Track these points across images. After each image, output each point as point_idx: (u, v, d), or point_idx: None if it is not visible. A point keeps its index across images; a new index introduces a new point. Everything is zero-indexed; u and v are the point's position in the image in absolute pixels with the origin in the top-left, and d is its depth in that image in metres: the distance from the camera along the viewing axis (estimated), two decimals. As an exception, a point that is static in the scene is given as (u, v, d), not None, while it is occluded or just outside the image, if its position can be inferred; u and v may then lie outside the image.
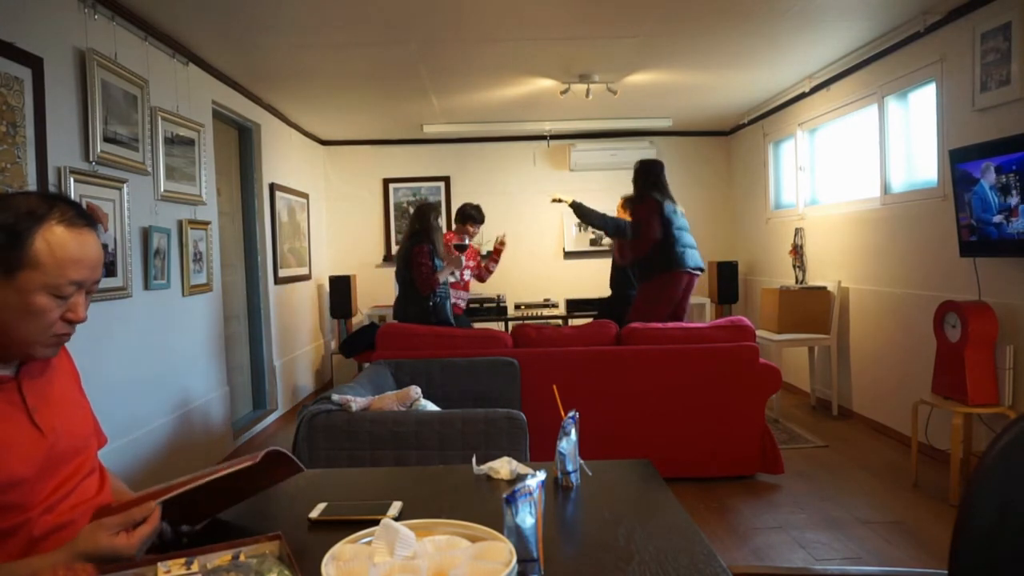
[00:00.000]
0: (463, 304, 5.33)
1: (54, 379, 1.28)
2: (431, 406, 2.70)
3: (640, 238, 4.48)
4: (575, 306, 6.57)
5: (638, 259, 4.57)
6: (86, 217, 1.20)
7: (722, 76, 5.15)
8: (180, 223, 3.94)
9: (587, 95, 5.14)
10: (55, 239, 1.14)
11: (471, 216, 5.27)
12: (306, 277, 6.43)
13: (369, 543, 1.10)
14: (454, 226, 5.41)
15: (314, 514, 1.36)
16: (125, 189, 3.34)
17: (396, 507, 1.37)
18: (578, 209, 4.87)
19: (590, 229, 7.14)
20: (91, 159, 3.10)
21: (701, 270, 4.56)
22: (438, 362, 3.43)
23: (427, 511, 1.34)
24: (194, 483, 1.17)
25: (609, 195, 5.79)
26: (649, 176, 4.61)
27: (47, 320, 1.15)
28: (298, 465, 1.38)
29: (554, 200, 5.13)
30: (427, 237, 4.70)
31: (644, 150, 7.05)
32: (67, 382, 1.33)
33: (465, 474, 1.61)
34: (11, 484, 1.11)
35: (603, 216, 4.83)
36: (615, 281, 5.47)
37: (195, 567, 1.06)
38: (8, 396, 1.17)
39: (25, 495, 1.14)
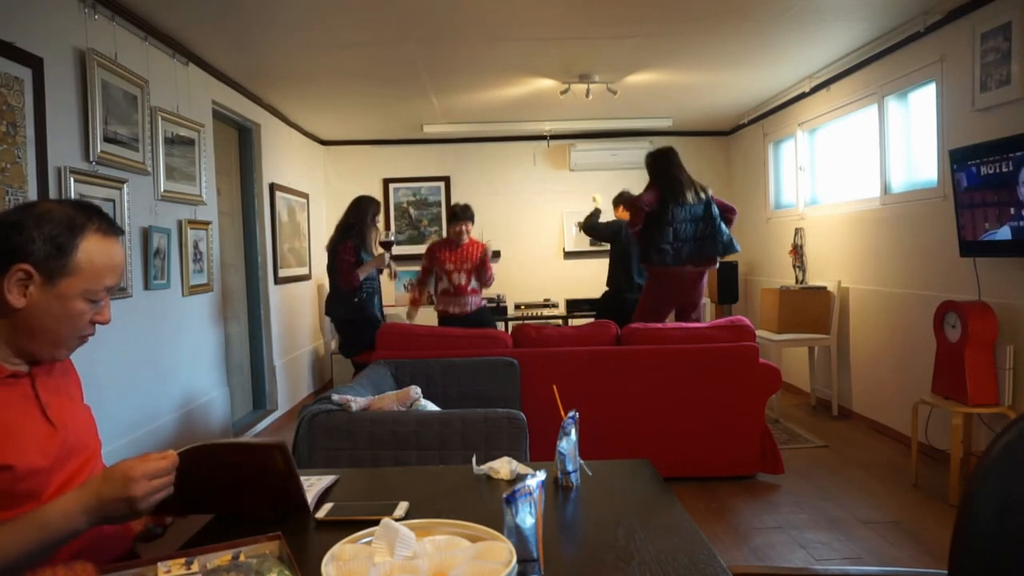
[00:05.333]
0: (471, 308, 5.01)
1: (61, 378, 1.34)
2: (431, 406, 2.70)
3: (632, 212, 4.61)
4: (575, 306, 6.58)
5: (634, 228, 4.59)
6: (115, 226, 1.28)
7: (722, 76, 5.15)
8: (180, 223, 3.94)
9: (587, 95, 5.14)
10: (94, 248, 1.22)
11: (454, 214, 5.00)
12: (306, 277, 6.43)
13: (369, 543, 1.10)
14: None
15: (320, 514, 1.36)
16: (125, 189, 3.34)
17: (403, 507, 1.37)
18: (591, 217, 5.61)
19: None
20: (91, 159, 3.10)
21: (702, 263, 4.42)
22: (438, 362, 3.43)
23: (427, 511, 1.34)
24: (211, 441, 1.27)
25: (609, 195, 5.79)
26: (652, 170, 4.61)
27: (81, 323, 1.23)
28: (304, 499, 1.39)
29: (594, 198, 5.84)
30: (356, 233, 4.63)
31: (644, 150, 7.02)
32: (71, 382, 1.38)
33: (465, 474, 1.61)
34: (29, 473, 1.15)
35: (596, 225, 5.61)
36: (613, 280, 5.48)
37: (195, 567, 1.07)
38: (23, 391, 1.22)
39: (39, 485, 1.18)
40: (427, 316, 6.61)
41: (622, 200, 5.56)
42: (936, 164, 3.99)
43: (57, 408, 1.26)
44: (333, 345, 6.85)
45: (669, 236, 4.35)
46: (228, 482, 1.34)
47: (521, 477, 1.51)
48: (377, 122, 6.45)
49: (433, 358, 3.47)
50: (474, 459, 1.64)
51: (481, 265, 4.99)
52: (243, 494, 1.36)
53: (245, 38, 4.00)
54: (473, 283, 5.01)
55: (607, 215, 5.75)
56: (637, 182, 5.87)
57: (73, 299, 1.20)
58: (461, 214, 4.97)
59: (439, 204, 7.25)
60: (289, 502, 1.39)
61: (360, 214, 4.67)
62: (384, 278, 6.08)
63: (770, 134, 6.34)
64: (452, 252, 5.01)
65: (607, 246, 5.82)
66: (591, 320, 4.39)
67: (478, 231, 5.67)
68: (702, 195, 4.46)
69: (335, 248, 4.61)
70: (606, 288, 5.62)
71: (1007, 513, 1.12)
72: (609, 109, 5.95)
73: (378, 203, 4.86)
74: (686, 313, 4.61)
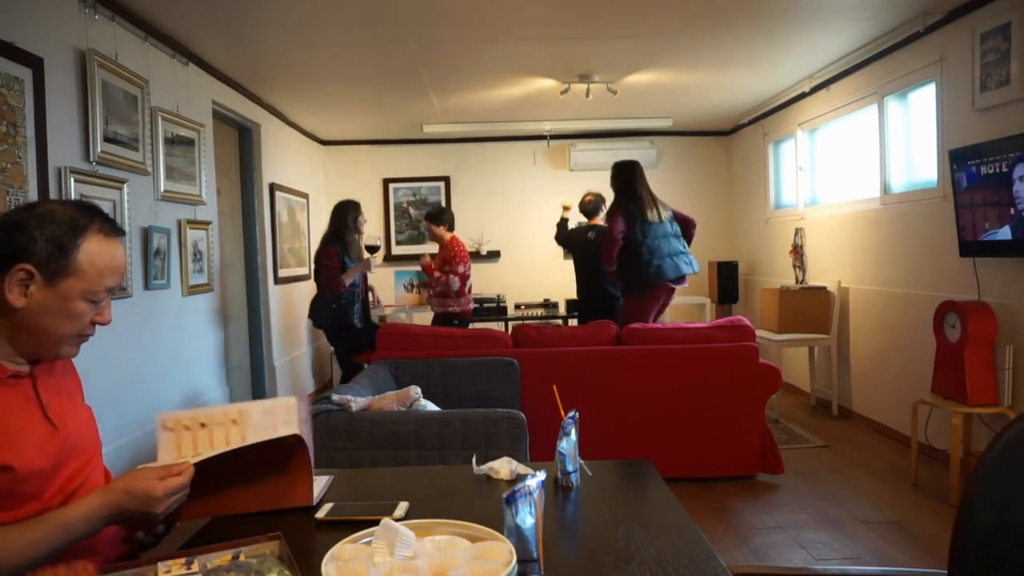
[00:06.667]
0: (438, 311, 5.17)
1: (62, 378, 1.34)
2: (431, 406, 2.70)
3: (604, 247, 4.45)
4: (575, 306, 6.57)
5: (610, 266, 4.45)
6: (117, 227, 1.28)
7: (722, 76, 5.15)
8: (180, 223, 3.93)
9: (587, 95, 5.14)
10: (95, 249, 1.22)
11: (432, 216, 5.22)
12: (306, 277, 6.43)
13: (369, 543, 1.10)
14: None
15: (320, 514, 1.36)
16: (125, 189, 3.34)
17: (403, 507, 1.37)
18: (561, 224, 5.57)
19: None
20: (91, 159, 3.10)
21: (682, 277, 4.38)
22: (438, 362, 3.43)
23: (427, 511, 1.35)
24: (226, 448, 1.26)
25: (609, 195, 5.78)
26: (617, 181, 4.52)
27: (81, 323, 1.24)
28: (310, 491, 1.42)
29: (565, 207, 5.67)
30: (339, 238, 4.66)
31: (644, 150, 7.05)
32: (72, 383, 1.38)
33: (465, 474, 1.61)
34: (30, 474, 1.16)
35: (562, 235, 5.57)
36: (581, 284, 5.37)
37: (195, 567, 1.07)
38: (24, 391, 1.22)
39: (40, 486, 1.18)
40: (427, 316, 6.62)
41: (566, 215, 5.61)
42: (936, 164, 3.99)
43: (58, 408, 1.26)
44: (333, 345, 6.85)
45: (648, 256, 4.27)
46: (233, 480, 1.34)
47: (521, 477, 1.51)
48: (377, 122, 6.45)
49: (433, 358, 3.47)
50: (474, 459, 1.64)
51: (441, 266, 5.10)
52: (247, 490, 1.37)
53: (245, 38, 4.00)
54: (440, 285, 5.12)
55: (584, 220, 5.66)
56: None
57: (74, 299, 1.21)
58: (425, 217, 5.26)
59: (439, 204, 7.24)
60: (296, 493, 1.40)
61: (341, 218, 4.73)
62: (383, 278, 6.11)
63: (770, 134, 6.34)
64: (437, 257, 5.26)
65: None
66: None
67: (478, 232, 5.68)
68: (665, 213, 4.42)
69: (319, 255, 4.67)
70: (577, 292, 5.50)
71: (1006, 513, 1.12)
72: (609, 109, 5.95)
73: (357, 204, 4.91)
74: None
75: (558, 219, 5.60)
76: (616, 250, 4.35)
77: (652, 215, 4.34)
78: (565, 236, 5.56)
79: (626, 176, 4.48)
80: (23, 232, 1.18)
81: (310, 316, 4.92)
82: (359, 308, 4.86)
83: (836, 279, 5.13)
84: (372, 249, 4.87)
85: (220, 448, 1.27)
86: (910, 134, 4.39)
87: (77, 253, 1.20)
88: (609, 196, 5.64)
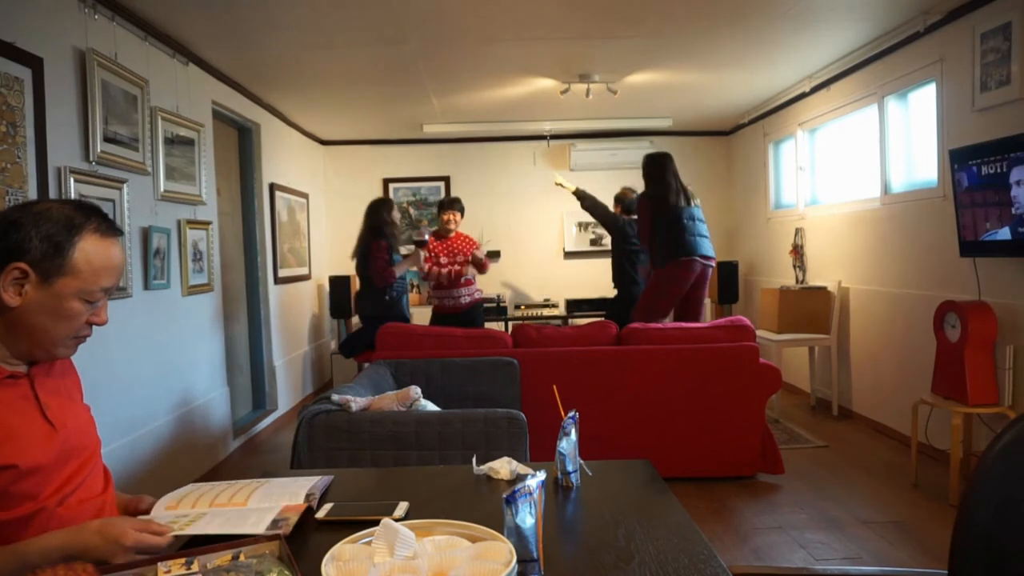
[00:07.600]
0: (465, 301, 5.27)
1: (60, 378, 1.34)
2: (431, 406, 2.70)
3: (640, 235, 4.76)
4: (575, 306, 6.58)
5: (644, 243, 4.72)
6: (115, 227, 1.27)
7: (722, 76, 5.15)
8: (180, 223, 3.93)
9: (587, 95, 5.14)
10: (91, 249, 1.21)
11: (442, 204, 5.33)
12: (306, 277, 6.43)
13: (369, 543, 1.10)
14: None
15: (320, 514, 1.36)
16: (125, 189, 3.34)
17: (403, 507, 1.37)
18: (580, 195, 5.51)
19: (590, 229, 7.18)
20: (91, 159, 3.10)
21: (711, 259, 4.52)
22: (438, 362, 3.43)
23: (427, 511, 1.35)
24: (217, 530, 1.22)
25: (609, 195, 5.80)
26: (647, 171, 4.65)
27: (77, 323, 1.23)
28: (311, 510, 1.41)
29: (556, 183, 5.74)
30: (383, 233, 4.75)
31: (644, 150, 7.01)
32: (71, 382, 1.38)
33: (465, 474, 1.61)
34: (30, 472, 1.16)
35: (599, 206, 5.47)
36: (618, 280, 5.48)
37: (195, 567, 1.07)
38: (22, 391, 1.22)
39: (40, 484, 1.18)
40: (427, 316, 6.62)
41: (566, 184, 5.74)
42: (936, 164, 3.99)
43: (57, 408, 1.26)
44: (333, 345, 6.85)
45: (677, 230, 4.43)
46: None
47: (521, 477, 1.51)
48: (377, 122, 6.45)
49: (433, 358, 3.47)
50: (474, 459, 1.64)
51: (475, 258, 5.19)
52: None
53: (245, 38, 4.00)
54: (467, 274, 5.16)
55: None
56: (637, 182, 5.87)
57: (69, 299, 1.20)
58: (448, 204, 5.26)
59: (391, 201, 7.26)
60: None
61: (377, 215, 4.88)
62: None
63: (770, 134, 6.34)
64: (442, 243, 5.21)
65: (607, 245, 5.80)
66: (591, 320, 4.41)
67: (478, 232, 5.70)
68: (694, 200, 4.61)
69: (368, 247, 4.73)
70: (615, 291, 5.58)
71: (1006, 513, 1.12)
72: (609, 109, 5.95)
73: (390, 200, 5.09)
74: (690, 306, 4.57)
75: (573, 192, 5.57)
76: (647, 230, 4.58)
77: (678, 199, 4.50)
78: (591, 200, 5.48)
79: (656, 166, 4.62)
80: (19, 230, 1.17)
81: (356, 311, 4.99)
82: (406, 301, 4.94)
83: (836, 279, 5.13)
84: (421, 243, 4.96)
85: (209, 527, 1.24)
86: (910, 134, 4.39)
87: (73, 252, 1.19)
88: (610, 196, 5.73)
